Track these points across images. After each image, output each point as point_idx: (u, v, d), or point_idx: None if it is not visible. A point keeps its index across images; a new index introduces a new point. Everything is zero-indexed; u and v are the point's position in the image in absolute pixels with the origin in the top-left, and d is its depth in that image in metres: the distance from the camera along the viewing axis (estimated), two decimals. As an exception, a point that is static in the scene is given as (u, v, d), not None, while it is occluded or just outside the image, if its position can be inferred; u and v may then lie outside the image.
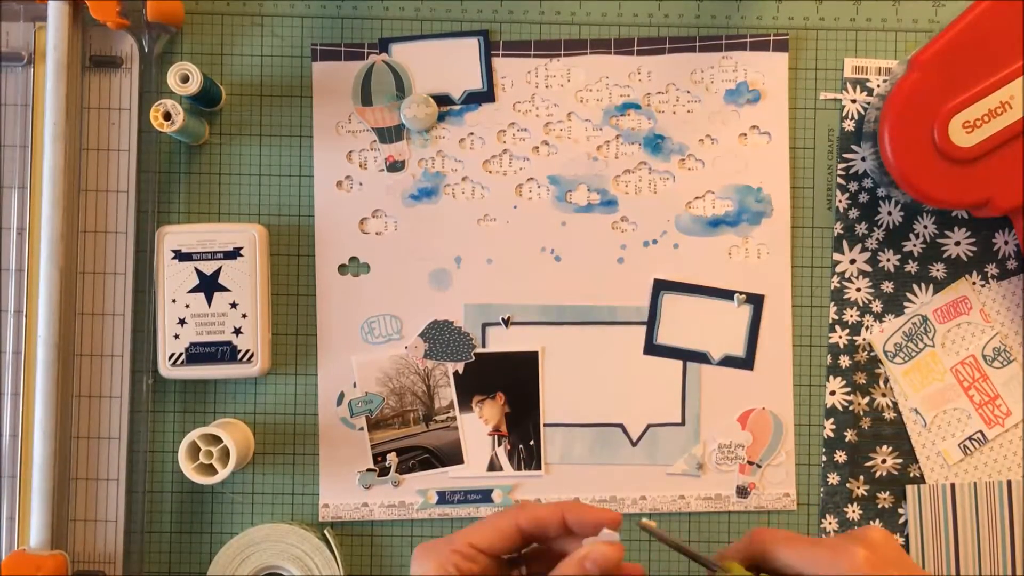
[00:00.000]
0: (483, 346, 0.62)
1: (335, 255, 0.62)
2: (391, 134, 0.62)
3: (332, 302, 0.62)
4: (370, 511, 0.61)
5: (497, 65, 0.62)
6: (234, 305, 0.60)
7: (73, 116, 0.59)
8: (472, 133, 0.62)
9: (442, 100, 0.62)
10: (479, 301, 0.62)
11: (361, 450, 0.62)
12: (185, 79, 0.57)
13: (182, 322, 0.59)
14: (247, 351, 0.60)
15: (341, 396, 0.62)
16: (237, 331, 0.60)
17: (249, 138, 0.62)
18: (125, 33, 0.60)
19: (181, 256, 0.59)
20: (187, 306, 0.59)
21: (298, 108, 0.62)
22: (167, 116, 0.56)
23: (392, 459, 0.62)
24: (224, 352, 0.59)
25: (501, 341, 0.62)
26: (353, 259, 0.62)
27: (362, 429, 0.62)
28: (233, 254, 0.60)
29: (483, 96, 0.62)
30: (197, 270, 0.59)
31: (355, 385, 0.62)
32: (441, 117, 0.62)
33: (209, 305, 0.59)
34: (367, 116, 0.62)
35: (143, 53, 0.60)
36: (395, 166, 0.62)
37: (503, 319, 0.62)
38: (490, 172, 0.62)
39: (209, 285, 0.59)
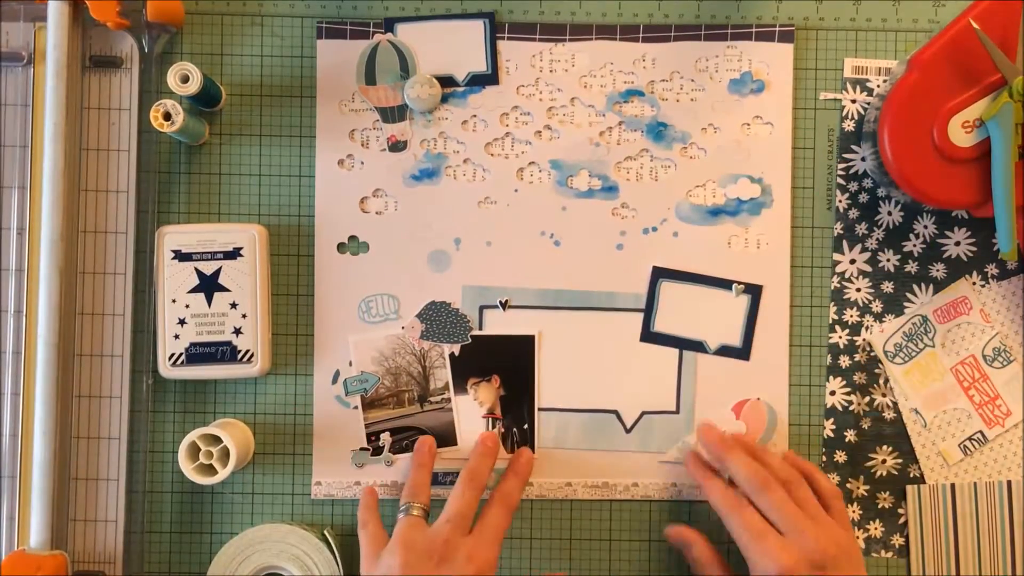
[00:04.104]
0: (480, 328, 0.62)
1: (335, 234, 0.62)
2: (394, 114, 0.62)
3: (330, 280, 0.62)
4: (362, 490, 0.62)
5: (502, 48, 0.62)
6: (234, 305, 0.60)
7: (73, 116, 0.59)
8: (475, 115, 0.62)
9: (446, 81, 0.62)
10: (477, 283, 0.62)
11: (355, 429, 0.62)
12: (185, 79, 0.57)
13: (182, 322, 0.59)
14: (247, 351, 0.60)
15: (336, 374, 0.62)
16: (237, 331, 0.60)
17: (249, 138, 0.62)
18: (125, 33, 0.60)
19: (181, 256, 0.59)
20: (187, 306, 0.59)
21: (298, 108, 0.62)
22: (167, 116, 0.56)
23: (386, 439, 0.62)
24: (224, 352, 0.59)
25: (498, 324, 0.62)
26: (352, 238, 0.62)
27: (356, 408, 0.62)
28: (233, 254, 0.60)
29: (487, 79, 0.62)
30: (197, 270, 0.59)
31: (351, 364, 0.62)
32: (444, 98, 0.62)
33: (209, 305, 0.59)
34: (370, 95, 0.62)
35: (143, 53, 0.60)
36: (397, 146, 0.62)
37: (501, 302, 0.62)
38: (492, 155, 0.62)
39: (209, 285, 0.59)
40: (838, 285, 0.63)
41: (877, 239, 0.62)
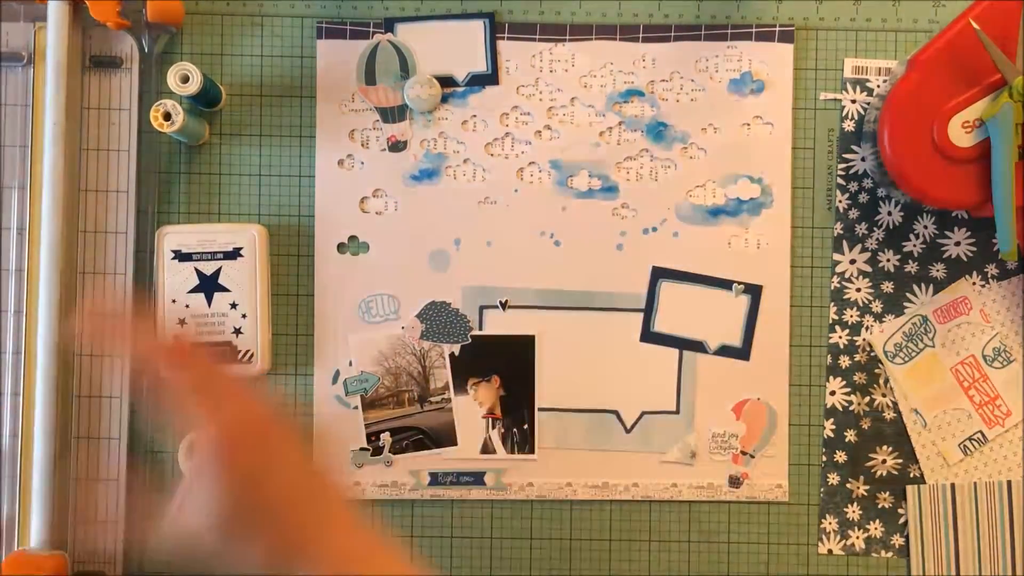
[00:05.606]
0: (480, 329, 0.62)
1: (335, 234, 0.62)
2: (394, 114, 0.62)
3: (330, 280, 0.62)
4: (362, 490, 0.62)
5: (502, 48, 0.62)
6: (234, 305, 0.60)
7: (73, 116, 0.59)
8: (475, 115, 0.62)
9: (446, 81, 0.62)
10: (477, 283, 0.62)
11: (355, 429, 0.62)
12: (185, 79, 0.57)
13: (182, 322, 0.59)
14: (247, 351, 0.60)
15: (337, 374, 0.62)
16: (237, 331, 0.60)
17: (249, 138, 0.62)
18: (125, 33, 0.60)
19: (181, 256, 0.59)
20: (187, 306, 0.59)
21: (298, 108, 0.62)
22: (167, 116, 0.56)
23: (386, 439, 0.62)
24: (224, 352, 0.59)
25: (498, 324, 0.62)
26: (352, 238, 0.62)
27: (356, 408, 0.62)
28: (233, 254, 0.60)
29: (487, 79, 0.62)
30: (197, 270, 0.59)
31: (351, 364, 0.62)
32: (444, 98, 0.62)
33: (209, 305, 0.59)
34: (370, 95, 0.62)
35: (143, 53, 0.60)
36: (397, 146, 0.62)
37: (501, 302, 0.62)
38: (492, 155, 0.62)
39: (209, 285, 0.59)
40: (838, 285, 0.63)
41: (877, 239, 0.62)
